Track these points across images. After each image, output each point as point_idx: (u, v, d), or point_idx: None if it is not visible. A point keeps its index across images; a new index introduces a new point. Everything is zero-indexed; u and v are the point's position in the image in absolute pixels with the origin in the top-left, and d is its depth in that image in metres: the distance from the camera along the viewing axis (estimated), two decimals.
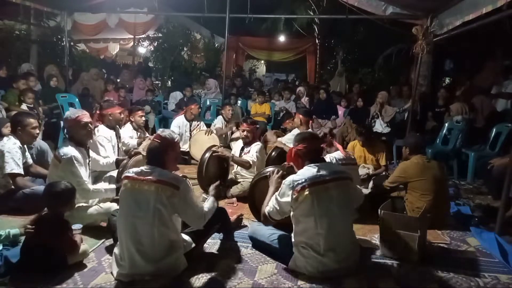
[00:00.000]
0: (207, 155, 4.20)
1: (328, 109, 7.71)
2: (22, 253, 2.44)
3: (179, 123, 5.89)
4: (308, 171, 2.54)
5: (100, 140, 4.01)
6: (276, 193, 2.60)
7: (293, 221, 2.60)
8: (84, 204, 3.16)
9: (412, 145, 3.71)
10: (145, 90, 8.51)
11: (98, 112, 4.24)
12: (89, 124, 3.27)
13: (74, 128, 3.20)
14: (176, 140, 2.56)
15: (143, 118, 5.12)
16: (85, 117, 3.26)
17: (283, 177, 2.78)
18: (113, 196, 3.25)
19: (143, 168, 2.42)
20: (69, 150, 3.05)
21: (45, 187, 2.79)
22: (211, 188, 2.92)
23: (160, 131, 2.61)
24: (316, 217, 2.46)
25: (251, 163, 4.18)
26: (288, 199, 2.50)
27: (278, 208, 2.56)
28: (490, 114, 6.22)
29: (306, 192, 2.44)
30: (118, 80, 10.57)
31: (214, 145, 4.61)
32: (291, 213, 2.57)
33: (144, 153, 3.72)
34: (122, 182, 2.47)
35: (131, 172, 2.43)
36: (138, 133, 5.08)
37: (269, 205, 2.63)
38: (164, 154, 2.47)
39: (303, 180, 2.48)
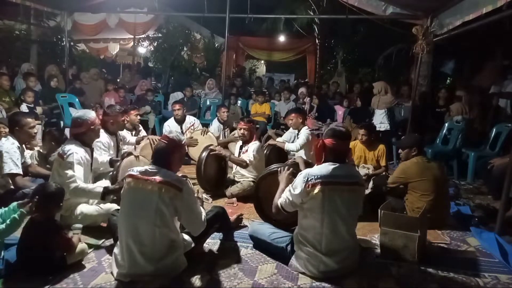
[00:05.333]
0: (204, 154, 4.21)
1: (323, 112, 7.74)
2: (18, 254, 2.44)
3: (169, 126, 5.76)
4: (326, 168, 2.52)
5: (97, 145, 3.93)
6: (290, 185, 2.59)
7: (300, 215, 2.60)
8: (84, 205, 3.16)
9: (420, 145, 3.71)
10: (145, 90, 8.50)
11: (101, 117, 4.21)
12: (99, 125, 3.36)
13: (89, 130, 3.19)
14: (183, 142, 2.57)
15: (138, 117, 5.09)
16: (97, 119, 3.32)
17: (293, 174, 2.78)
18: (97, 199, 3.10)
19: (148, 167, 2.42)
20: (73, 148, 3.06)
21: (35, 188, 2.74)
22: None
23: (167, 132, 2.62)
24: (324, 216, 2.46)
25: (247, 162, 4.19)
26: (299, 190, 2.48)
27: (291, 199, 2.55)
28: (484, 111, 6.22)
29: (318, 189, 2.43)
30: (118, 80, 10.57)
31: (211, 144, 4.61)
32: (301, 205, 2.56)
33: (136, 154, 3.76)
34: (125, 180, 2.45)
35: (135, 171, 2.42)
36: (133, 133, 5.02)
37: (282, 197, 2.63)
38: (171, 155, 2.48)
39: (319, 176, 2.47)
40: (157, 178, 2.34)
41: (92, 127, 3.21)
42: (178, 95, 8.50)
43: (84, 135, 3.20)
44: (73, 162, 2.99)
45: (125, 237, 2.38)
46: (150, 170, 2.39)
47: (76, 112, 3.39)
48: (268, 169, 3.37)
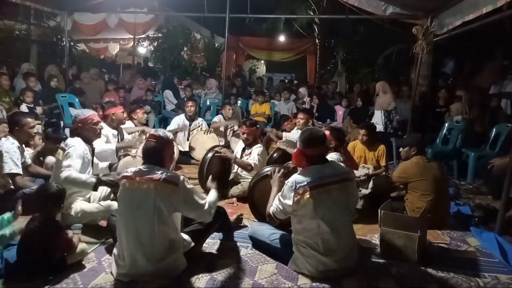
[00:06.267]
0: (210, 155, 4.20)
1: (323, 112, 7.75)
2: (19, 254, 2.44)
3: (179, 122, 5.90)
4: (311, 172, 2.53)
5: (102, 140, 4.02)
6: (279, 194, 2.60)
7: (294, 220, 2.60)
8: (84, 203, 3.16)
9: (420, 145, 3.71)
10: (145, 90, 8.50)
11: (101, 112, 4.29)
12: (100, 124, 3.37)
13: (84, 126, 3.24)
14: (170, 138, 2.58)
15: (145, 115, 5.28)
16: (96, 117, 3.35)
17: (284, 175, 2.78)
18: (89, 189, 3.07)
19: (141, 167, 2.43)
20: (75, 142, 3.11)
21: (36, 188, 2.78)
22: (210, 183, 2.96)
23: (153, 131, 2.63)
24: (319, 220, 2.46)
25: (253, 165, 4.17)
26: (290, 201, 2.49)
27: (282, 208, 2.56)
28: (484, 111, 6.22)
29: (308, 195, 2.44)
30: (117, 79, 10.55)
31: (217, 145, 4.61)
32: (294, 213, 2.56)
33: (133, 154, 3.79)
34: (120, 182, 2.46)
35: (129, 171, 2.43)
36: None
37: (273, 205, 2.63)
38: (161, 152, 2.48)
39: (305, 182, 2.47)
40: (152, 176, 2.34)
41: (80, 124, 3.24)
42: (169, 93, 8.54)
43: (77, 131, 3.25)
44: (73, 154, 3.03)
45: (125, 238, 2.38)
46: (143, 169, 2.40)
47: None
48: (260, 173, 3.37)
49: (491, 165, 4.21)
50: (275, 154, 4.76)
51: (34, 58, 8.93)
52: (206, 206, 2.52)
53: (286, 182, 2.58)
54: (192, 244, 2.63)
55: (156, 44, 10.82)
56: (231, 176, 4.53)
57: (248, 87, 10.29)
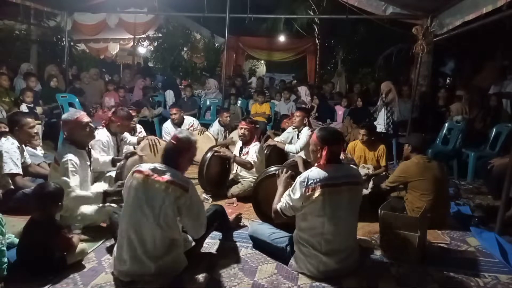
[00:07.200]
0: (209, 155, 4.21)
1: (323, 112, 7.77)
2: (19, 254, 2.44)
3: (167, 128, 5.79)
4: (325, 171, 2.52)
5: (97, 145, 3.93)
6: (290, 189, 2.58)
7: (299, 218, 2.59)
8: (84, 206, 3.15)
9: (415, 144, 3.71)
10: (143, 90, 8.49)
11: (110, 114, 4.19)
12: (90, 124, 3.21)
13: (74, 129, 3.11)
14: (192, 142, 2.54)
15: (135, 119, 4.95)
16: (85, 117, 3.19)
17: (292, 177, 2.78)
18: (99, 204, 3.05)
19: (157, 165, 2.42)
20: (68, 155, 2.97)
21: (34, 188, 2.77)
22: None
23: (177, 132, 2.60)
24: (324, 218, 2.46)
25: (252, 163, 4.18)
26: (298, 195, 2.48)
27: (291, 203, 2.54)
28: (484, 111, 6.22)
29: (318, 193, 2.43)
30: (115, 79, 10.55)
31: (215, 146, 4.60)
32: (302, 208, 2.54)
33: (141, 153, 3.77)
34: (132, 175, 2.43)
35: (144, 167, 2.41)
36: (131, 133, 4.98)
37: (282, 201, 2.62)
38: (179, 155, 2.47)
39: (318, 179, 2.46)
40: (165, 177, 2.34)
41: (69, 130, 3.10)
42: (170, 93, 8.53)
43: (74, 135, 3.11)
44: (69, 170, 2.92)
45: (127, 232, 2.37)
46: (159, 168, 2.39)
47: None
48: (266, 171, 3.35)
49: (491, 165, 4.22)
50: (266, 150, 4.79)
51: (34, 58, 8.94)
52: (204, 220, 2.52)
53: (298, 177, 2.57)
54: (193, 243, 2.63)
55: (156, 44, 10.84)
56: (231, 176, 4.54)
57: (249, 88, 10.29)
